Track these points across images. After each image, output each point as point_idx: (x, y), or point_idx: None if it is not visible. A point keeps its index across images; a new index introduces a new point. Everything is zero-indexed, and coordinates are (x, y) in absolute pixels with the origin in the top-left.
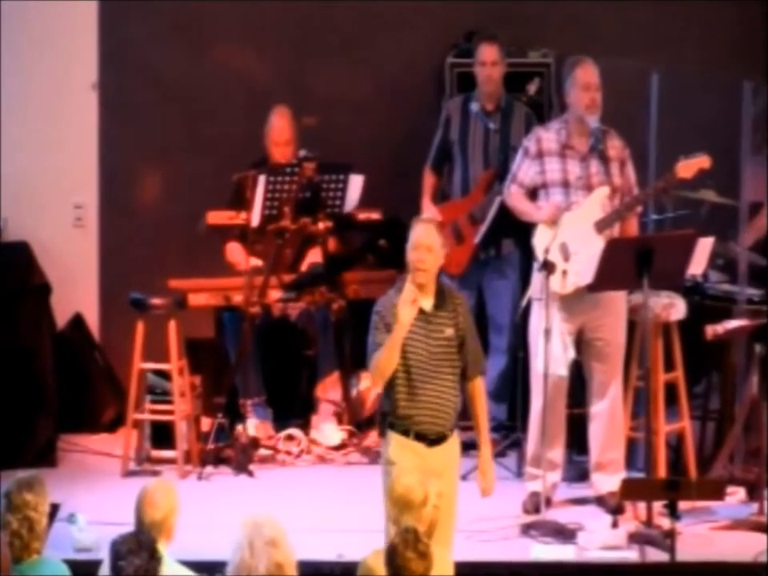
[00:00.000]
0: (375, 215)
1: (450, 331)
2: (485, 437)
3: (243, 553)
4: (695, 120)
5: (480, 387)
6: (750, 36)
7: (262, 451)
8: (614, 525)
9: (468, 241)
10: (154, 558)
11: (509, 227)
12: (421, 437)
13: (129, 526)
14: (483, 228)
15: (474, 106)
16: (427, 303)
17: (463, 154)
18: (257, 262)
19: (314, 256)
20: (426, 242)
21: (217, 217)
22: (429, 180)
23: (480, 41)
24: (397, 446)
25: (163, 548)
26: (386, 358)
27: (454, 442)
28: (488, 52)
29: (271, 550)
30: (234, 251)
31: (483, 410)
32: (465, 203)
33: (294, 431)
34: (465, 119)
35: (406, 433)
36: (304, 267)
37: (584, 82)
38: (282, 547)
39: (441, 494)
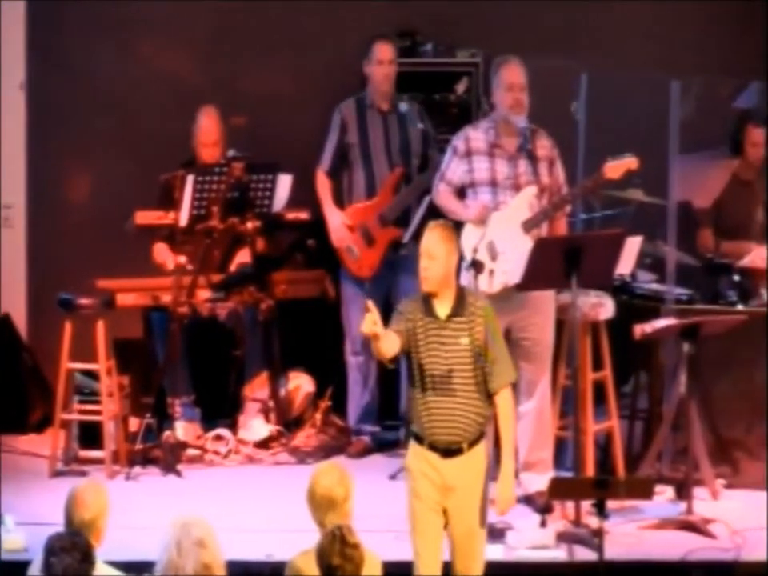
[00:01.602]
0: (303, 215)
1: (465, 340)
2: (507, 451)
3: (171, 553)
4: (624, 119)
5: (505, 400)
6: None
7: (190, 451)
8: (543, 524)
9: (379, 243)
10: (86, 560)
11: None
12: (434, 447)
13: (58, 527)
14: (411, 228)
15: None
16: (443, 310)
17: (365, 156)
18: (182, 259)
19: (243, 256)
20: (428, 248)
21: (145, 217)
22: (326, 185)
23: (375, 40)
24: (414, 454)
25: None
26: (376, 348)
27: (476, 456)
28: (385, 51)
29: (199, 550)
30: (162, 251)
31: (507, 424)
32: (373, 205)
33: (222, 431)
34: (362, 121)
35: (420, 441)
36: (233, 267)
37: (508, 82)
38: (211, 547)
39: (444, 509)
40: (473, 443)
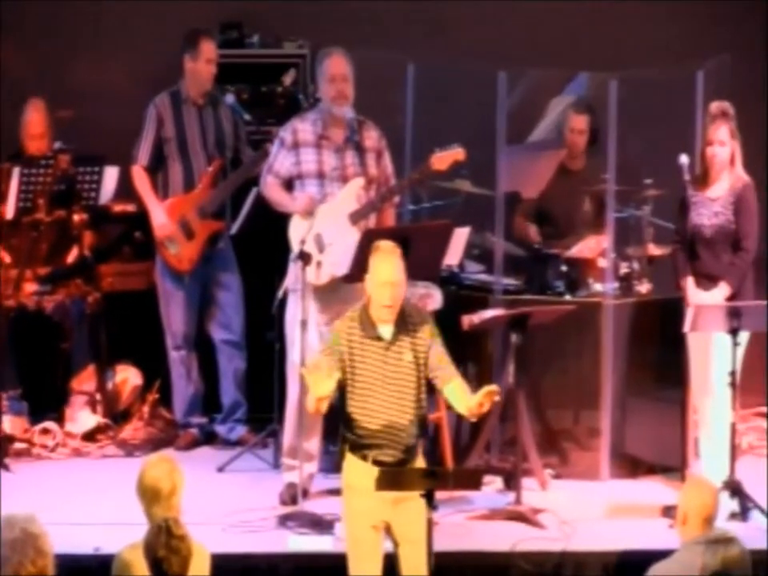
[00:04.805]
0: (131, 207)
1: (408, 356)
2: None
3: None
4: (453, 110)
5: (458, 385)
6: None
7: (18, 445)
8: None
9: (198, 236)
10: None
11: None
12: (378, 462)
13: None
14: (239, 220)
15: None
16: (387, 331)
17: (182, 150)
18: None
19: (70, 248)
20: (392, 278)
21: None
22: (145, 180)
23: (201, 37)
24: (356, 470)
25: None
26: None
27: (419, 465)
28: (213, 49)
29: (28, 545)
30: None
31: (465, 392)
32: (192, 198)
33: (49, 424)
34: (178, 115)
35: (364, 458)
36: (59, 260)
37: (331, 74)
38: (39, 541)
39: (386, 523)
40: (415, 456)
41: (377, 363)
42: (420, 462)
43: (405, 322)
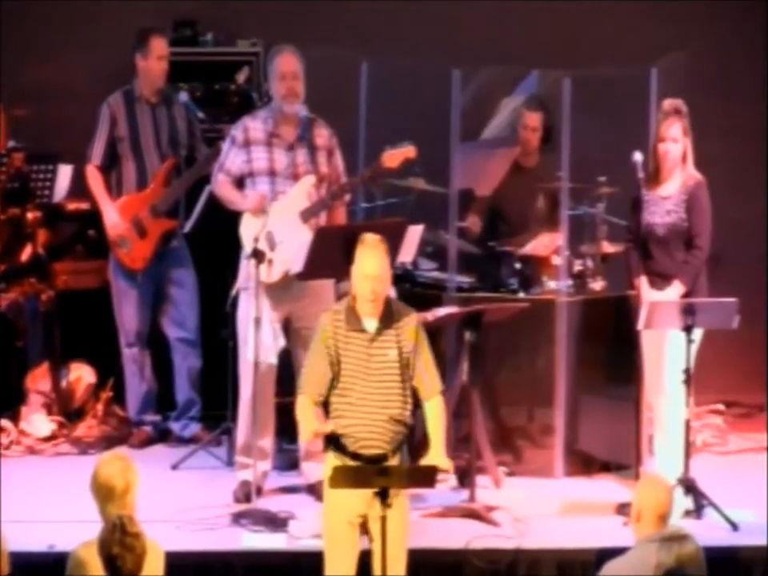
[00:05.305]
0: (84, 205)
1: (392, 353)
2: (435, 450)
3: None
4: (407, 108)
5: (435, 406)
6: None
7: None
8: None
9: (151, 234)
10: None
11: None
12: (357, 456)
13: None
14: (193, 218)
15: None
16: (371, 325)
17: (135, 148)
18: None
19: (24, 247)
20: (375, 272)
21: None
22: (98, 179)
23: (152, 34)
24: (334, 463)
25: None
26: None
27: (399, 462)
28: (164, 46)
29: None
30: None
31: (436, 430)
32: (145, 197)
33: (3, 422)
34: (131, 114)
35: (344, 451)
36: (13, 258)
37: (281, 72)
38: None
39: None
40: (395, 451)
41: (360, 356)
42: (404, 455)
43: (391, 319)
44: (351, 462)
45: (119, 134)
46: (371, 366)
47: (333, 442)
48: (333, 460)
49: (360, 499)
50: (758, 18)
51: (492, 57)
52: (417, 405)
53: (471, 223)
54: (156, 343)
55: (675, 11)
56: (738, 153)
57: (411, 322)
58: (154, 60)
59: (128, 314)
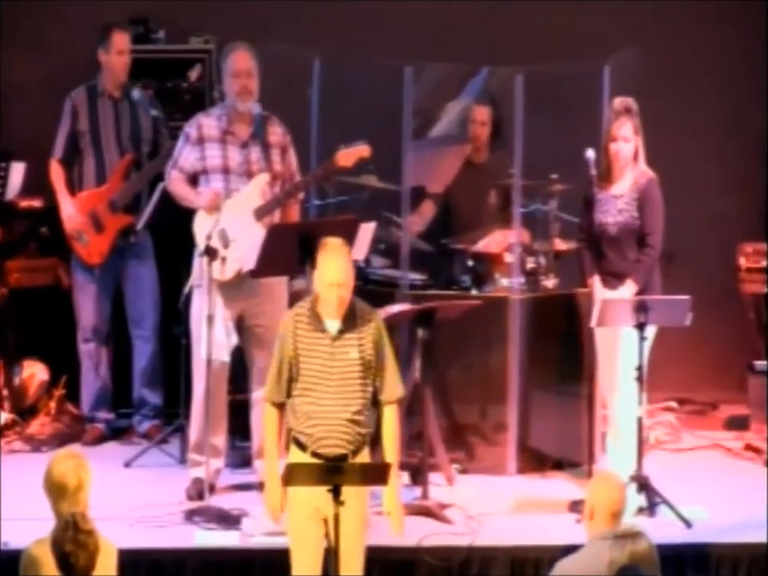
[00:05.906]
0: (37, 203)
1: (354, 353)
2: (392, 466)
3: None
4: (359, 105)
5: (390, 415)
6: None
7: None
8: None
9: (108, 229)
10: None
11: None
12: (318, 455)
13: None
14: (146, 214)
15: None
16: (334, 326)
17: (95, 143)
18: None
19: None
20: (340, 278)
21: None
22: (59, 173)
23: (113, 29)
24: (296, 461)
25: None
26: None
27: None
28: (125, 40)
29: None
30: None
31: (390, 439)
32: (103, 192)
33: None
34: (93, 109)
35: (305, 449)
36: None
37: (235, 69)
38: None
39: (326, 518)
40: (356, 452)
41: (323, 357)
42: (365, 458)
43: (353, 319)
44: (312, 461)
45: (80, 129)
46: (333, 367)
47: (294, 440)
48: (293, 456)
49: (319, 496)
50: (710, 12)
51: (443, 54)
52: (374, 404)
53: (411, 222)
54: (119, 340)
55: (628, 7)
56: (692, 149)
57: (374, 324)
58: (115, 54)
59: (85, 308)
